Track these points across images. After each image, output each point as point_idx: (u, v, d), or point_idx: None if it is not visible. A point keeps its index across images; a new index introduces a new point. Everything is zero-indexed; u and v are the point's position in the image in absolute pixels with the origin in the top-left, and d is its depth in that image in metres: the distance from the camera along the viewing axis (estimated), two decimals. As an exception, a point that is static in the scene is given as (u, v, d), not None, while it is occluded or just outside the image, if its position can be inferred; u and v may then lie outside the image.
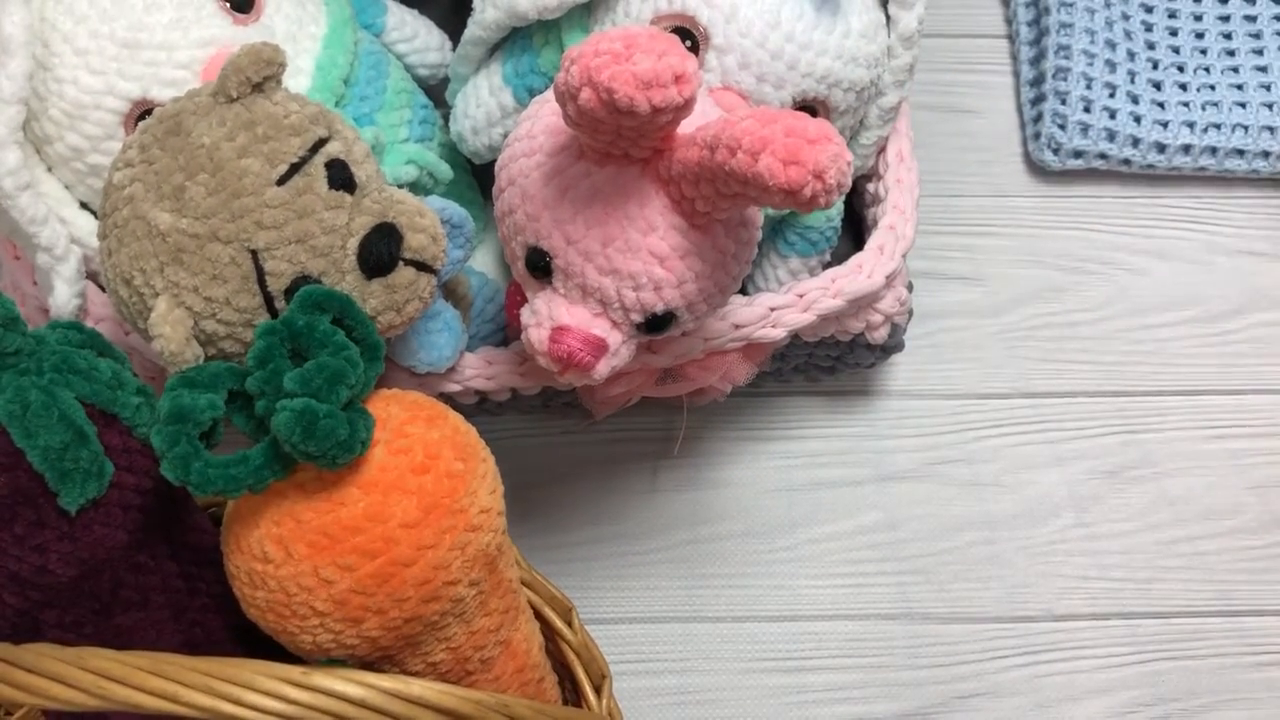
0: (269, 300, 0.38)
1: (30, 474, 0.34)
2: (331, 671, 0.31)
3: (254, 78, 0.38)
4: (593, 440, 0.60)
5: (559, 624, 0.47)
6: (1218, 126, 0.64)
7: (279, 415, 0.34)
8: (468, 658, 0.41)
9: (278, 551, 0.36)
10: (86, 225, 0.47)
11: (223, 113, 0.38)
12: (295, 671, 0.31)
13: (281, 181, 0.38)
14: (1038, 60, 0.68)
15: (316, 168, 0.38)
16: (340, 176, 0.39)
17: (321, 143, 0.39)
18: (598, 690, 0.47)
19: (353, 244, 0.39)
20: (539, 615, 0.47)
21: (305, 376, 0.35)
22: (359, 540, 0.36)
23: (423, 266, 0.40)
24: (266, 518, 0.37)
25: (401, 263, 0.40)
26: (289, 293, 0.38)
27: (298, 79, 0.47)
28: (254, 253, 0.37)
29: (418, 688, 0.32)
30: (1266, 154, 0.64)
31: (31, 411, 0.34)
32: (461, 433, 0.39)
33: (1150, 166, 0.65)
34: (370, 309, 0.40)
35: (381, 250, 0.39)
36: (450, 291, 0.50)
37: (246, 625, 0.40)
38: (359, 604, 0.36)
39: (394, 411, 0.38)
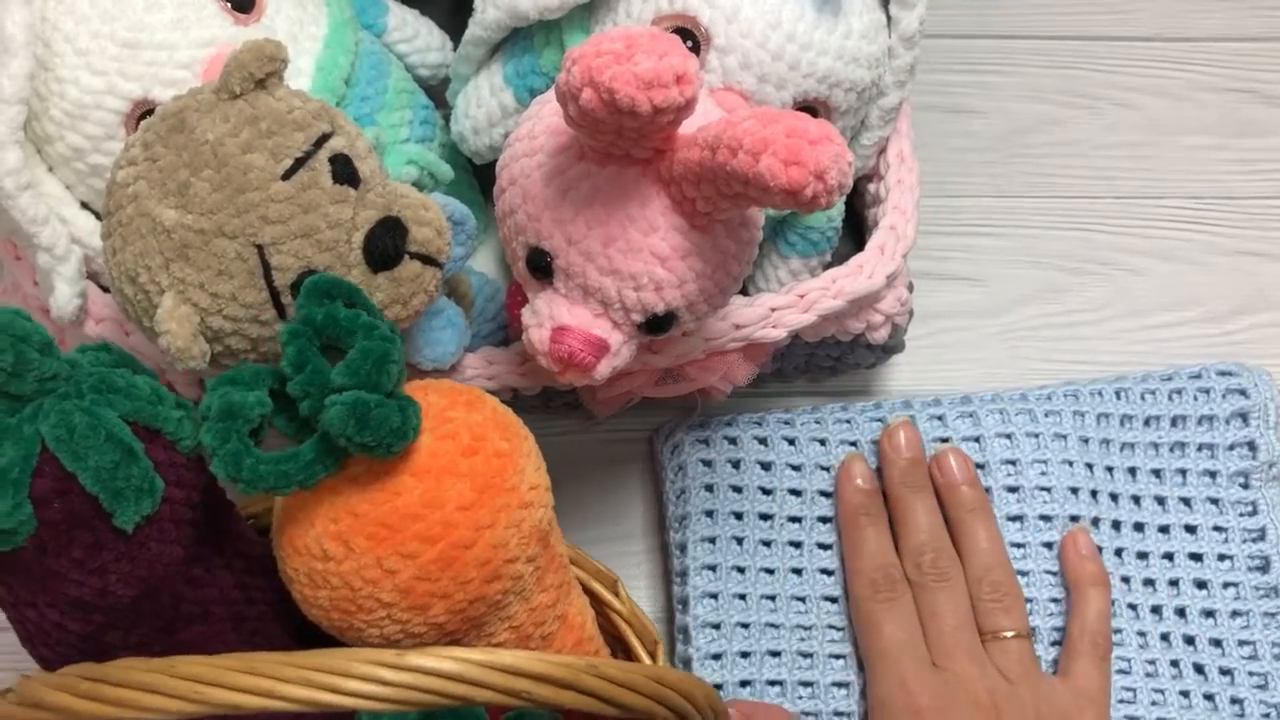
0: (275, 295, 0.38)
1: (83, 497, 0.34)
2: (424, 650, 0.32)
3: (257, 73, 0.38)
4: (593, 440, 0.60)
5: (607, 595, 0.48)
6: None
7: (330, 411, 0.34)
8: (529, 635, 0.41)
9: (338, 548, 0.36)
10: (87, 225, 0.47)
11: (226, 109, 0.38)
12: (389, 654, 0.31)
13: (286, 176, 0.38)
14: None
15: (321, 162, 0.38)
16: (344, 171, 0.39)
17: (325, 137, 0.39)
18: (652, 656, 0.47)
19: (358, 238, 0.39)
20: (587, 589, 0.48)
21: (353, 367, 0.35)
22: (418, 527, 0.36)
23: (428, 260, 0.41)
24: (322, 516, 0.37)
25: (407, 256, 0.40)
26: (295, 287, 0.38)
27: (298, 79, 0.47)
28: (260, 248, 0.37)
29: (509, 657, 0.32)
30: None
31: (78, 434, 0.34)
32: (501, 413, 0.40)
33: None
34: (376, 303, 0.40)
35: (387, 244, 0.39)
36: (451, 291, 0.50)
37: (303, 629, 0.40)
38: (424, 590, 0.36)
39: (433, 399, 0.39)
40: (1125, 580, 0.55)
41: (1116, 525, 0.56)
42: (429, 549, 0.36)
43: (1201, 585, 0.56)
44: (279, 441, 0.37)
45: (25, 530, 0.34)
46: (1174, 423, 0.58)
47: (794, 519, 0.56)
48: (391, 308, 0.40)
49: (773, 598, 0.55)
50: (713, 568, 0.55)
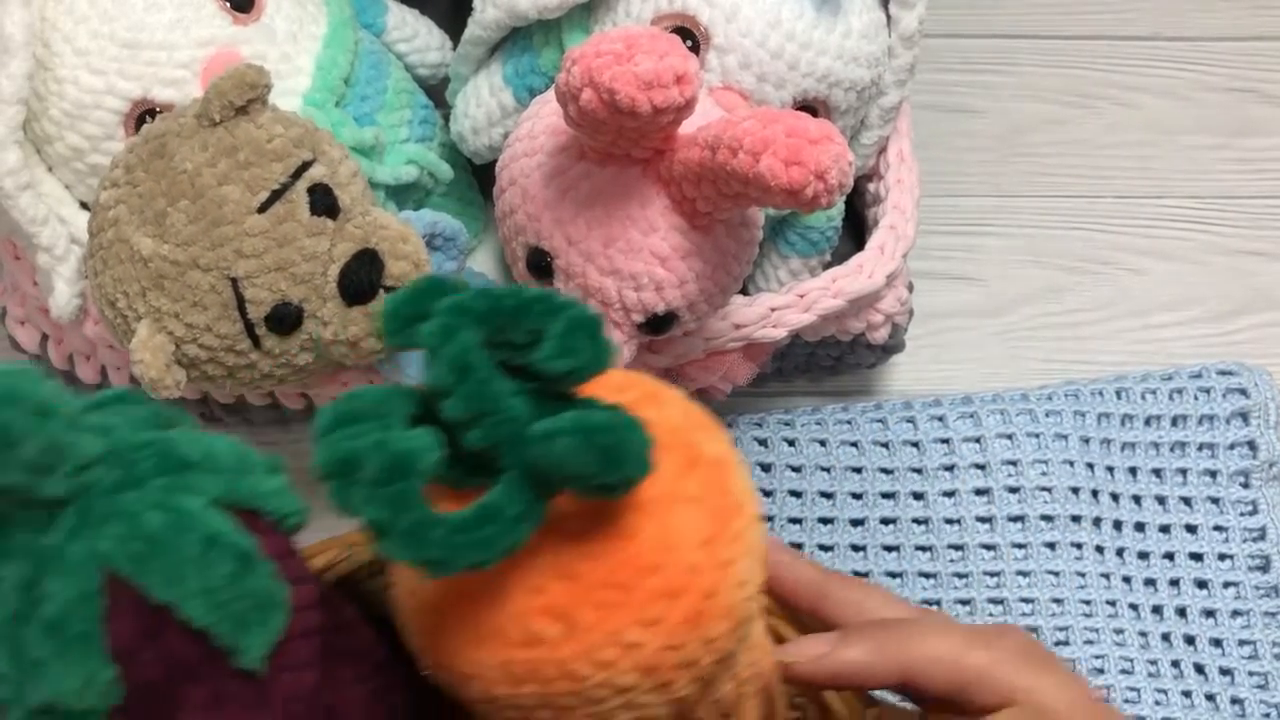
0: (249, 327, 0.38)
1: (186, 636, 0.25)
2: None
3: (237, 101, 0.37)
4: (593, 440, 0.60)
5: None
6: None
7: (557, 443, 0.24)
8: (745, 679, 0.32)
9: (553, 627, 0.26)
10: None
11: (205, 137, 0.37)
12: None
13: (262, 209, 0.37)
14: None
15: (298, 194, 0.38)
16: (323, 202, 0.38)
17: (305, 167, 0.38)
18: None
19: (334, 271, 0.38)
20: None
21: (567, 344, 0.25)
22: (657, 581, 0.26)
23: None
24: (517, 586, 0.27)
25: (383, 290, 0.39)
26: (269, 320, 0.38)
27: (298, 79, 0.47)
28: (234, 280, 0.37)
29: None
30: None
31: (162, 543, 0.24)
32: (694, 405, 0.30)
33: None
34: (351, 336, 0.39)
35: (362, 279, 0.39)
36: (450, 293, 0.50)
37: None
38: (671, 663, 0.27)
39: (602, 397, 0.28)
40: (1126, 580, 0.55)
41: (1118, 525, 0.56)
42: (674, 607, 0.26)
43: (1202, 585, 0.56)
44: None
45: (108, 702, 0.24)
46: (1174, 422, 0.58)
47: (794, 520, 0.56)
48: (367, 341, 0.40)
49: None
50: None
